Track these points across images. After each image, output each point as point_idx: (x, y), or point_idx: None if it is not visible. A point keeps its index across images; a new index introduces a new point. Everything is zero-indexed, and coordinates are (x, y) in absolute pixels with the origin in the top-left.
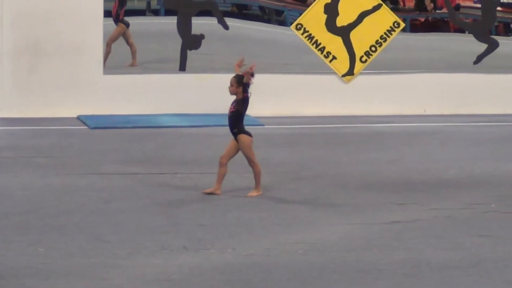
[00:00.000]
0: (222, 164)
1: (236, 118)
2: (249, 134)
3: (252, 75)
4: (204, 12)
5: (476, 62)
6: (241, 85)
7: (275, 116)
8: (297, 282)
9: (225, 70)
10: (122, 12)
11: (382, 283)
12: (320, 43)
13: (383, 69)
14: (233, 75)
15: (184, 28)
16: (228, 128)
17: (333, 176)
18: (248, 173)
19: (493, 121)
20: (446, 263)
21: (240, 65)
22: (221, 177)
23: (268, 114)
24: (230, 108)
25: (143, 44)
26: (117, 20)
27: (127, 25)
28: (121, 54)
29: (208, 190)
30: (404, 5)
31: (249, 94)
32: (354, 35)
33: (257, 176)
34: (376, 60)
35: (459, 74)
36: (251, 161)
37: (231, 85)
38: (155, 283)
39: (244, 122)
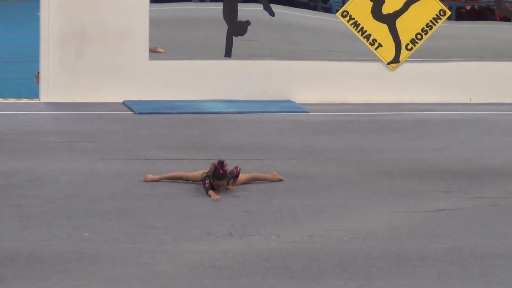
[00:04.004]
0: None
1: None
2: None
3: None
4: None
5: None
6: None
7: (320, 103)
8: (341, 269)
9: (271, 57)
10: None
11: (425, 271)
12: (365, 31)
13: (428, 57)
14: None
15: (230, 14)
16: (272, 114)
17: (377, 163)
18: (293, 160)
19: None
20: (490, 252)
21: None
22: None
23: (313, 101)
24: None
25: (189, 30)
26: None
27: None
28: (166, 39)
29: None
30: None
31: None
32: (400, 23)
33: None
34: (422, 48)
35: (505, 62)
36: (255, 178)
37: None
38: (200, 269)
39: (288, 109)
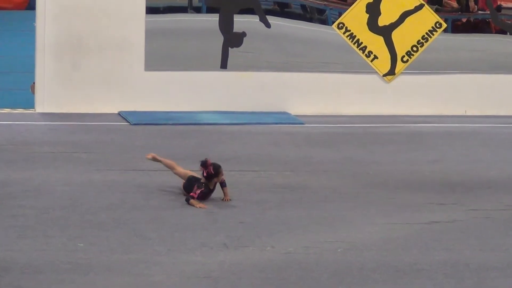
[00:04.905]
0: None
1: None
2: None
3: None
4: (246, 10)
5: None
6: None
7: (316, 114)
8: (336, 281)
9: (267, 68)
10: None
11: (421, 283)
12: (361, 43)
13: (424, 69)
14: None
15: (226, 25)
16: (267, 126)
17: (374, 175)
18: (289, 171)
19: None
20: (485, 264)
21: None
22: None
23: (309, 113)
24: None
25: (185, 41)
26: None
27: None
28: (162, 51)
29: None
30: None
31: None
32: (395, 35)
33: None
34: (418, 60)
35: (501, 75)
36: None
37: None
38: (195, 280)
39: (284, 120)
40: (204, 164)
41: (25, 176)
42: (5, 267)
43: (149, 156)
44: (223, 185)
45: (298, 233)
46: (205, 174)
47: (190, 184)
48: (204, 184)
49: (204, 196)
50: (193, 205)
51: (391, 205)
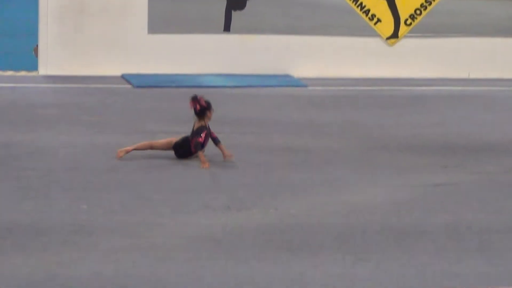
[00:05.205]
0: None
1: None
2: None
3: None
4: None
5: None
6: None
7: (319, 77)
8: (339, 243)
9: (269, 31)
10: None
11: (423, 246)
12: (365, 6)
13: (427, 33)
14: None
15: None
16: (271, 88)
17: (376, 138)
18: (292, 134)
19: None
20: (487, 227)
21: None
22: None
23: (312, 76)
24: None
25: (188, 4)
26: None
27: None
28: (165, 13)
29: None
30: None
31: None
32: None
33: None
34: (421, 23)
35: (504, 38)
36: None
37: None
38: (198, 242)
39: (287, 83)
40: (195, 98)
41: (28, 138)
42: (8, 228)
43: (121, 154)
44: (216, 141)
45: (301, 195)
46: (197, 108)
47: (184, 144)
48: (200, 126)
49: (206, 139)
50: (200, 159)
51: (394, 168)
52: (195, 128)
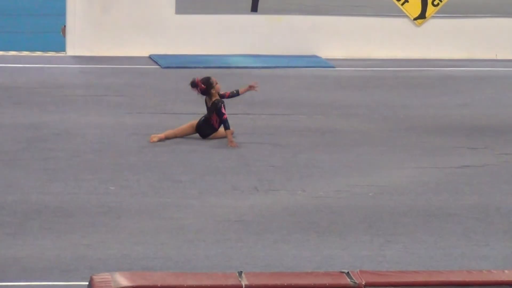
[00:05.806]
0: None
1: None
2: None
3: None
4: None
5: None
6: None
7: (346, 58)
8: (367, 225)
9: (297, 12)
10: None
11: (451, 227)
12: None
13: (455, 13)
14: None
15: None
16: (298, 69)
17: (404, 119)
18: (320, 115)
19: None
20: None
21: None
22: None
23: (339, 56)
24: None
25: None
26: None
27: None
28: None
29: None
30: None
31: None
32: None
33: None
34: (448, 3)
35: None
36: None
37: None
38: (226, 223)
39: (315, 64)
40: (194, 83)
41: (56, 119)
42: (36, 210)
43: (155, 139)
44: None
45: (328, 177)
46: (199, 92)
47: (205, 125)
48: (214, 102)
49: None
50: (228, 138)
51: (421, 149)
52: (209, 104)
